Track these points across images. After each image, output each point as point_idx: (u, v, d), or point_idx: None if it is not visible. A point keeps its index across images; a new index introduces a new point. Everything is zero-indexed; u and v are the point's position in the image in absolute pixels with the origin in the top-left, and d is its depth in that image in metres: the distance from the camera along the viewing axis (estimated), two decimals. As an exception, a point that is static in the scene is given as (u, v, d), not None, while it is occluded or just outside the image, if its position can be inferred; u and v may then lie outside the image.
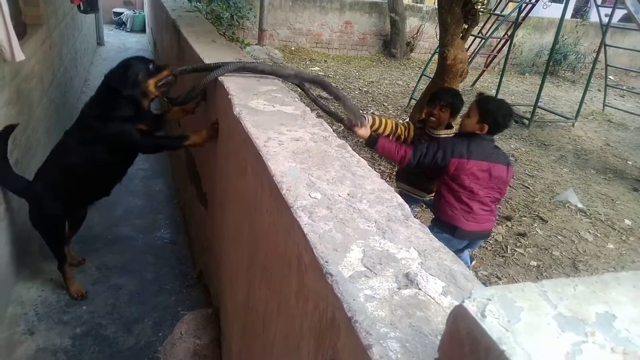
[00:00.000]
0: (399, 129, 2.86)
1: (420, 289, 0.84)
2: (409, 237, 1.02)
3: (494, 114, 2.54)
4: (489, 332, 0.45)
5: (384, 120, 2.78)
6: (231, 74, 2.12)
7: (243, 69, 2.14)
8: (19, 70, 2.91)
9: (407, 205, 1.18)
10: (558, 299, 0.49)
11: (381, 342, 0.71)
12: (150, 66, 2.29)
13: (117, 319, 2.59)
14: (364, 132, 2.50)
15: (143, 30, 11.18)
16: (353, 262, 0.90)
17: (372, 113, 2.72)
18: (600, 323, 0.47)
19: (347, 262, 0.90)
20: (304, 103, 1.92)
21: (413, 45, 11.59)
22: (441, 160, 2.56)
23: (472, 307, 0.47)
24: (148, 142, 2.39)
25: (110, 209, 3.62)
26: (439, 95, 2.89)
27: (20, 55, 2.23)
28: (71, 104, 5.21)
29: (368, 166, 1.37)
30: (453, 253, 0.99)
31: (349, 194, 1.17)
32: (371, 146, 2.56)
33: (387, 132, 2.77)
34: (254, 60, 2.28)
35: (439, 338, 0.75)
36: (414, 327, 0.75)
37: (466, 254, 3.12)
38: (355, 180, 1.26)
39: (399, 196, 1.21)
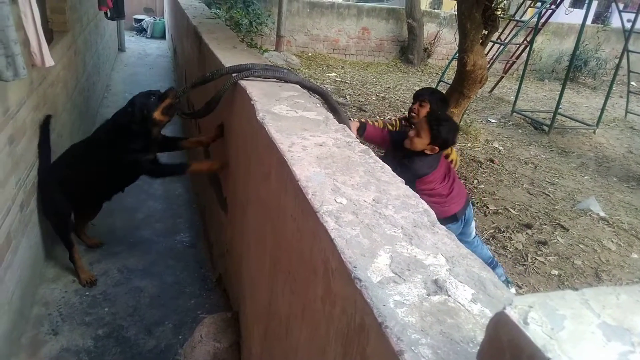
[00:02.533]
0: (387, 127, 3.07)
1: (449, 296, 0.84)
2: (436, 244, 1.01)
3: (445, 137, 2.55)
4: (533, 339, 0.44)
5: (372, 122, 2.96)
6: (251, 79, 2.15)
7: (251, 75, 2.17)
8: (45, 75, 2.99)
9: (432, 211, 1.17)
10: (601, 308, 0.49)
11: (413, 348, 0.70)
12: (152, 98, 2.48)
13: (138, 321, 2.62)
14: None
15: (163, 37, 11.36)
16: (381, 268, 0.90)
17: (358, 119, 2.90)
18: (647, 333, 0.46)
19: (375, 268, 0.89)
20: (326, 109, 1.93)
21: (430, 51, 11.55)
22: (407, 182, 2.64)
23: (514, 314, 0.47)
24: (154, 170, 2.68)
25: (131, 213, 3.67)
26: (418, 93, 3.09)
27: (50, 61, 2.28)
28: (93, 109, 5.32)
29: (392, 172, 1.37)
30: (481, 260, 0.98)
31: (374, 200, 1.17)
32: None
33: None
34: (255, 64, 2.30)
35: (471, 345, 0.75)
36: (444, 334, 0.75)
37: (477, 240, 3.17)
38: (380, 185, 1.25)
39: (424, 202, 1.20)
